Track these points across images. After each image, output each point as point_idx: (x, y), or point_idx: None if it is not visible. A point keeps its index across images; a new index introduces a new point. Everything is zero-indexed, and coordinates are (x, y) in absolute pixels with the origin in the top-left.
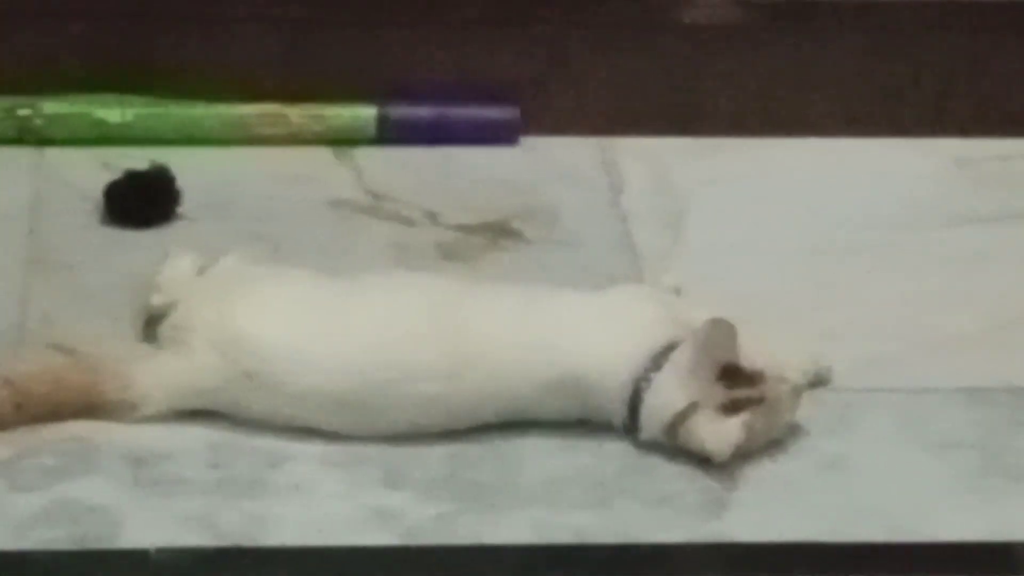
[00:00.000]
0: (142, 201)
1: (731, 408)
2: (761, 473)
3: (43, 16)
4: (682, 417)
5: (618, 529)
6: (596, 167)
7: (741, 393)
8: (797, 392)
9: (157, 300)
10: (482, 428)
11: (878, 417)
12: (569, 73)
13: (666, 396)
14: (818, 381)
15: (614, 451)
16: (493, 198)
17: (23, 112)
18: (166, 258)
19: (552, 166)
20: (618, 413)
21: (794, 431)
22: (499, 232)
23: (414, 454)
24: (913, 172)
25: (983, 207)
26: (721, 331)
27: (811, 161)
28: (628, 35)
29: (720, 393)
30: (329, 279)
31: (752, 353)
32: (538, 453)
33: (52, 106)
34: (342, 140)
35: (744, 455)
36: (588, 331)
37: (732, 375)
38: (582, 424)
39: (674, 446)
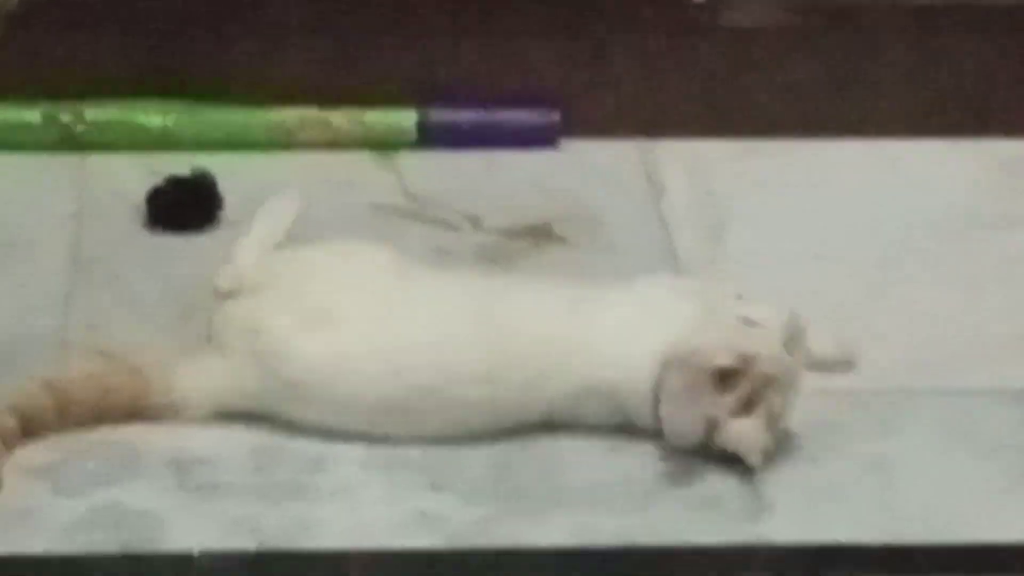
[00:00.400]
0: (185, 206)
1: (746, 406)
2: (803, 475)
3: (85, 22)
4: (706, 437)
5: (659, 532)
6: (637, 170)
7: (744, 389)
8: (791, 350)
9: (224, 285)
10: (525, 430)
11: (922, 419)
12: (609, 76)
13: (680, 424)
14: (840, 360)
15: (654, 454)
16: (534, 202)
17: (65, 118)
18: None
19: (593, 170)
20: (649, 419)
21: (836, 432)
22: (540, 236)
23: (457, 457)
24: (958, 175)
25: None
26: (696, 346)
27: (853, 164)
28: (667, 38)
29: (727, 400)
30: (379, 271)
31: (729, 340)
32: (580, 456)
33: (94, 112)
34: (383, 144)
35: (782, 433)
36: (620, 335)
37: (727, 376)
38: (624, 427)
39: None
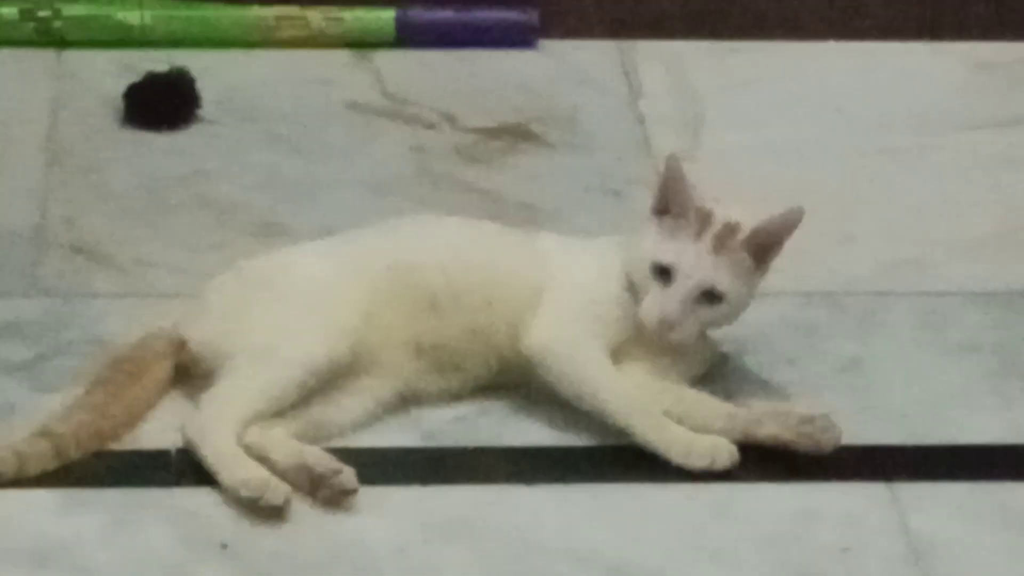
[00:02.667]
0: (162, 103)
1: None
2: (779, 375)
3: None
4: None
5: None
6: (615, 70)
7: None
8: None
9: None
10: None
11: (897, 320)
12: None
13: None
14: None
15: None
16: (512, 101)
17: (43, 14)
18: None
19: (571, 69)
20: None
21: (812, 334)
22: (518, 135)
23: None
24: (935, 76)
25: (1005, 111)
26: None
27: (831, 65)
28: None
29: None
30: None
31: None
32: None
33: (72, 8)
34: (361, 43)
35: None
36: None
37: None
38: None
39: None
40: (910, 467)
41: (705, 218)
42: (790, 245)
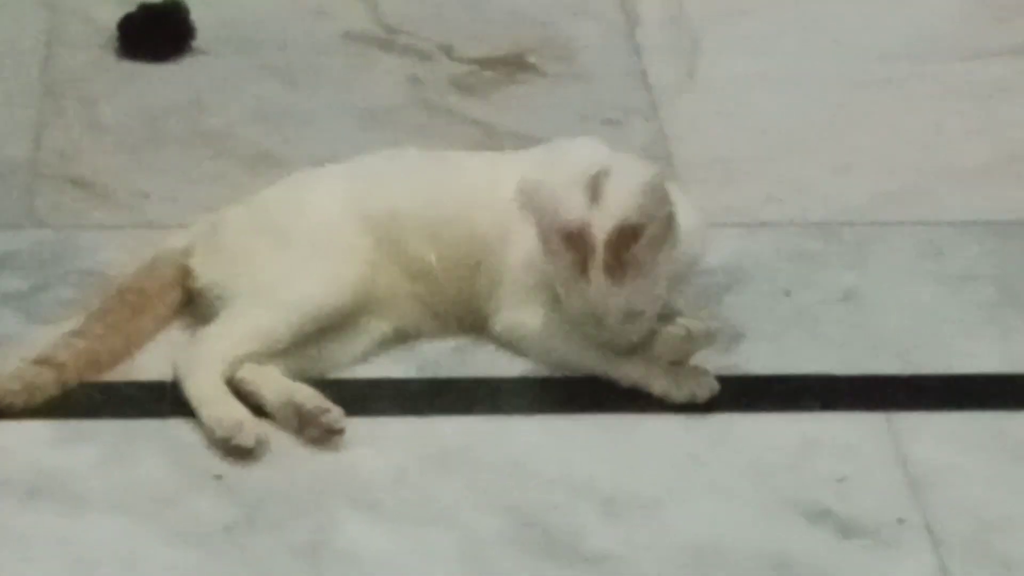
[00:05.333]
0: (156, 34)
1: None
2: (776, 306)
3: None
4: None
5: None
6: (611, 0)
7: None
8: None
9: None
10: None
11: (893, 250)
12: None
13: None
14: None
15: None
16: (508, 32)
17: None
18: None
19: (567, 0)
20: None
21: (808, 264)
22: (514, 66)
23: None
24: (931, 5)
25: (1003, 40)
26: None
27: None
28: None
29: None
30: None
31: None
32: None
33: None
34: None
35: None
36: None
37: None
38: None
39: None
40: (907, 397)
41: (583, 245)
42: (786, 174)
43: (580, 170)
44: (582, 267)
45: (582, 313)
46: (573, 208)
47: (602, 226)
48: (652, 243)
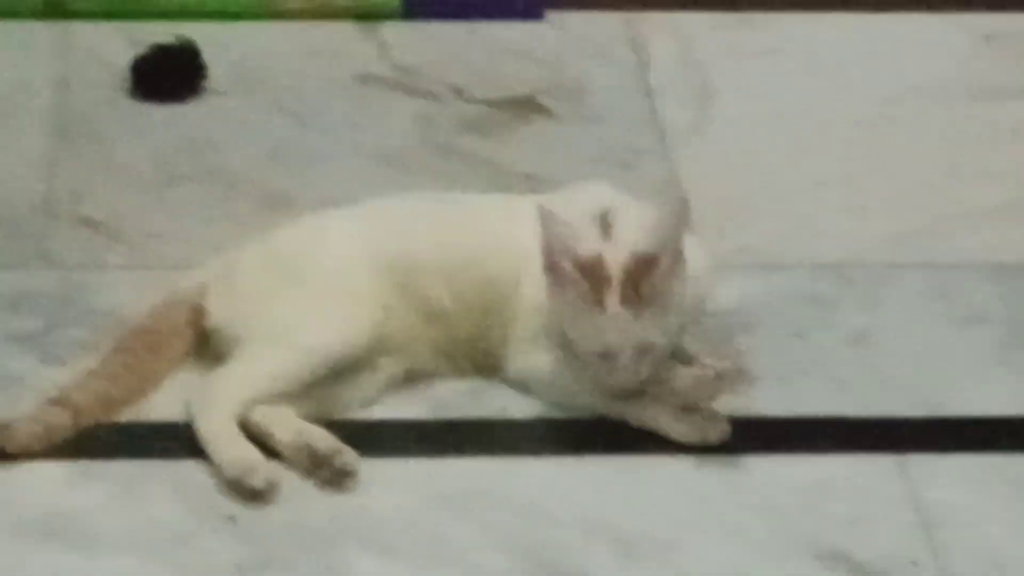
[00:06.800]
0: (169, 75)
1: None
2: (788, 347)
3: None
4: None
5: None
6: (623, 42)
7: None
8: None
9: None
10: None
11: (905, 292)
12: None
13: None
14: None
15: None
16: (519, 73)
17: None
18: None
19: (578, 41)
20: None
21: (820, 306)
22: (525, 107)
23: None
24: (941, 47)
25: (1011, 82)
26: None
27: (839, 36)
28: None
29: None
30: None
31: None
32: None
33: None
34: (368, 15)
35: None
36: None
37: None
38: None
39: None
40: (919, 439)
41: (598, 276)
42: (798, 216)
43: (590, 209)
44: (596, 298)
45: (592, 352)
46: (587, 239)
47: (616, 258)
48: (666, 274)
